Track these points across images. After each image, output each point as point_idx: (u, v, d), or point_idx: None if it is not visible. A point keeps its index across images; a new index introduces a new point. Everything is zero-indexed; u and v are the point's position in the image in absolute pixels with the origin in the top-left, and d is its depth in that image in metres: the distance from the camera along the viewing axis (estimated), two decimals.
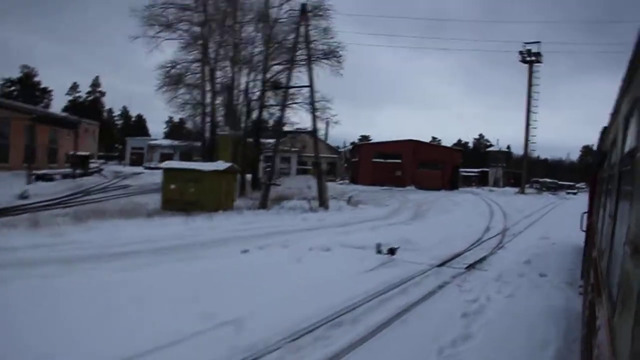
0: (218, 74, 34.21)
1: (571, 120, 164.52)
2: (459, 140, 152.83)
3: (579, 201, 37.60)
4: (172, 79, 32.46)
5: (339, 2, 37.41)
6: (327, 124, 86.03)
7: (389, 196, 38.82)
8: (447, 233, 15.76)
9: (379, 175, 55.74)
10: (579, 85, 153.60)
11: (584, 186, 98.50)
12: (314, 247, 11.34)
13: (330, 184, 60.58)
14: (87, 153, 44.26)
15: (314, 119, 25.18)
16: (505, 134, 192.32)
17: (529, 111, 54.65)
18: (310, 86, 24.31)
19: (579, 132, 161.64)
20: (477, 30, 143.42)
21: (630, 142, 2.16)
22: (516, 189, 65.22)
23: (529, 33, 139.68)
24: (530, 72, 55.04)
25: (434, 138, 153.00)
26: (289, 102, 34.08)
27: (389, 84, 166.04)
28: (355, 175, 58.56)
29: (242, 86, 33.64)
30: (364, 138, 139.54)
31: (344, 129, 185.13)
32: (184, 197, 22.12)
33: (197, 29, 32.18)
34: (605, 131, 5.28)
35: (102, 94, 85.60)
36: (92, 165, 42.52)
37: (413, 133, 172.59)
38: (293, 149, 76.74)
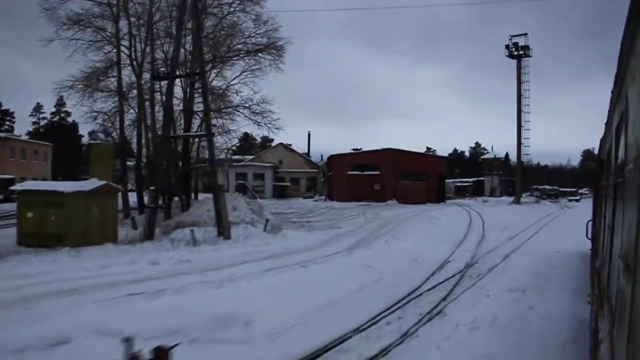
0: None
1: (572, 125, 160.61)
2: (455, 150, 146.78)
3: (582, 210, 32.22)
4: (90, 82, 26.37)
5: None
6: (309, 135, 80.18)
7: (357, 214, 32.81)
8: (365, 279, 9.70)
9: (355, 190, 49.66)
10: (580, 91, 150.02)
11: (586, 192, 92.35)
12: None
13: (304, 201, 54.43)
14: (10, 176, 38.40)
15: (207, 119, 19.09)
16: (503, 141, 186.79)
17: (519, 111, 48.73)
18: (201, 73, 18.26)
19: (580, 137, 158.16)
20: (473, 38, 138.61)
21: (621, 155, 2.25)
22: (512, 199, 59.10)
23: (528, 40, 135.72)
24: (519, 68, 49.29)
25: (428, 149, 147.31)
26: (223, 108, 28.29)
27: (386, 96, 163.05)
28: (330, 191, 52.46)
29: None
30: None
31: (341, 144, 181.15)
32: (45, 228, 16.38)
33: (111, 26, 26.29)
34: (602, 140, 5.30)
35: (68, 114, 79.94)
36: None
37: (409, 145, 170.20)
38: (267, 164, 71.15)
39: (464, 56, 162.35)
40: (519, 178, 50.09)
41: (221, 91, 26.36)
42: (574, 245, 13.84)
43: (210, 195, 18.93)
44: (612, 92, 2.82)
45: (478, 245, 16.47)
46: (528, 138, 49.27)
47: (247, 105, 26.84)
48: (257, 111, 28.41)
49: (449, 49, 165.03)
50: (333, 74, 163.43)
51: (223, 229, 16.43)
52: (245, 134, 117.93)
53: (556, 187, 77.16)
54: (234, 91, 28.09)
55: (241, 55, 27.90)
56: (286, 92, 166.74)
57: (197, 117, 28.13)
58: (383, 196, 48.98)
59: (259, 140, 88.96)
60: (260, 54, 28.04)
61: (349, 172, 50.75)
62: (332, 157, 52.72)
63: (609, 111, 3.29)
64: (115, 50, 26.82)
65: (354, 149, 58.36)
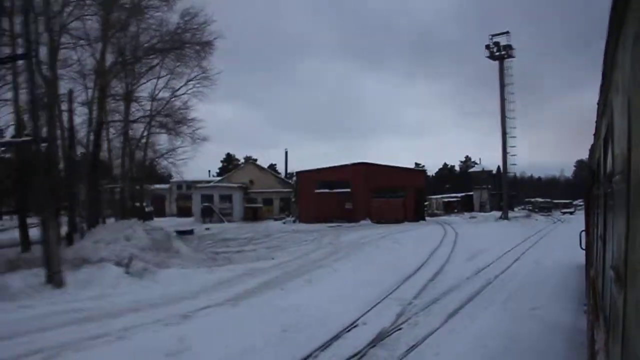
0: None
1: (565, 136, 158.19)
2: (445, 164, 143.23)
3: (576, 226, 27.71)
4: None
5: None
6: (286, 154, 75.30)
7: (313, 239, 27.73)
8: None
9: (324, 210, 44.52)
10: (573, 100, 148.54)
11: (581, 203, 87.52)
12: None
13: (272, 224, 49.27)
14: None
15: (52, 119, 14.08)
16: (495, 156, 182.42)
17: (503, 117, 44.03)
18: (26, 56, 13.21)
19: (574, 148, 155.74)
20: (465, 53, 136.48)
21: (609, 165, 2.27)
22: (496, 213, 54.20)
23: (518, 51, 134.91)
24: (502, 70, 44.73)
25: (417, 164, 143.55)
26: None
27: (378, 113, 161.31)
28: (300, 212, 47.27)
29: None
30: None
31: (332, 162, 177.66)
32: None
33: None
34: (591, 150, 5.45)
35: None
36: None
37: (400, 161, 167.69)
38: (235, 184, 66.01)
39: (456, 71, 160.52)
40: (505, 191, 45.16)
41: (121, 97, 21.30)
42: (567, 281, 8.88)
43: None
44: (598, 104, 2.93)
45: (425, 288, 11.40)
46: (514, 146, 44.51)
47: (159, 111, 22.03)
48: (176, 120, 23.58)
49: (440, 65, 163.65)
50: (324, 91, 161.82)
51: (52, 273, 11.24)
52: (228, 154, 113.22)
53: (548, 200, 72.39)
54: (147, 98, 23.31)
55: (156, 54, 23.11)
56: (278, 111, 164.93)
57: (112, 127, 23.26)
58: (355, 216, 43.88)
59: (242, 160, 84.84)
60: (180, 51, 23.29)
61: (316, 191, 45.68)
62: (299, 174, 47.69)
63: (596, 122, 3.43)
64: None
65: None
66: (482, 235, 26.63)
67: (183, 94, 23.54)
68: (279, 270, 15.40)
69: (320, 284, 12.03)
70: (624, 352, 1.31)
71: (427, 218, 53.79)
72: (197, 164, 50.75)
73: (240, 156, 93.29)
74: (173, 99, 23.81)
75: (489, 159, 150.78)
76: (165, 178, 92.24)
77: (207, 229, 42.49)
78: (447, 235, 27.28)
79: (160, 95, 23.77)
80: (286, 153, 77.69)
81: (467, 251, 18.61)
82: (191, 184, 63.44)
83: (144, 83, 23.73)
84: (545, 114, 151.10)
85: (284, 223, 47.88)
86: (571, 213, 61.56)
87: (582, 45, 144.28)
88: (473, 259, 16.37)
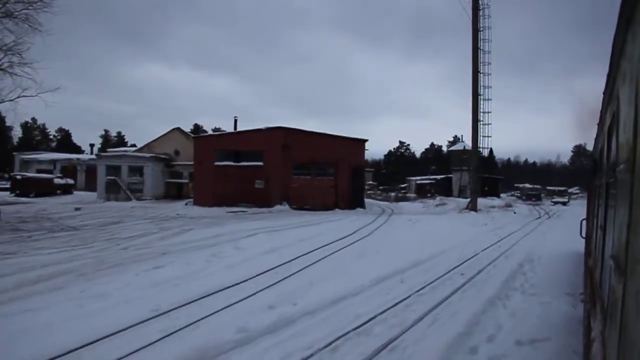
0: None
1: (563, 122, 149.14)
2: (432, 144, 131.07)
3: (570, 222, 19.98)
4: None
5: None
6: (235, 122, 61.86)
7: (163, 237, 15.97)
8: None
9: (227, 190, 32.61)
10: (574, 86, 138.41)
11: (577, 191, 75.98)
12: None
13: (180, 205, 37.10)
14: None
15: None
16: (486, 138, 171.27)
17: (476, 72, 31.61)
18: None
19: (571, 134, 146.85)
20: (464, 34, 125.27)
21: (613, 155, 2.25)
22: (484, 200, 42.37)
23: (519, 35, 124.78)
24: (475, 9, 32.09)
25: (401, 143, 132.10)
26: None
27: (376, 92, 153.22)
28: (195, 191, 35.23)
29: None
30: None
31: None
32: None
33: None
34: (595, 139, 5.31)
35: None
36: None
37: (393, 141, 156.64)
38: (148, 154, 53.75)
39: (457, 51, 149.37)
40: (473, 173, 33.03)
41: None
42: None
43: None
44: (603, 93, 2.89)
45: None
46: (490, 112, 32.07)
47: None
48: None
49: (441, 45, 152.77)
50: (321, 69, 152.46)
51: None
52: (196, 125, 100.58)
53: (538, 186, 60.48)
54: None
55: None
56: (274, 88, 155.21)
57: None
58: (268, 199, 31.93)
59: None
60: None
61: (217, 164, 33.45)
62: (196, 141, 35.24)
63: (601, 111, 3.40)
64: None
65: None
66: (408, 242, 14.79)
67: None
68: None
69: None
70: (622, 339, 1.33)
71: (387, 204, 42.12)
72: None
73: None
74: None
75: (486, 139, 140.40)
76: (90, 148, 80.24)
77: (77, 209, 30.84)
78: (356, 235, 15.54)
79: None
80: (235, 121, 65.00)
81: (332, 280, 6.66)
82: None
83: None
84: (544, 98, 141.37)
85: (186, 205, 35.77)
86: (564, 203, 49.62)
87: (586, 32, 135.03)
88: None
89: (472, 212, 30.42)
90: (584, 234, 8.01)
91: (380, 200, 56.51)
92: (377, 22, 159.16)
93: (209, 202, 32.14)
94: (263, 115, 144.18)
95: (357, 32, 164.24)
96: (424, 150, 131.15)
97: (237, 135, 33.48)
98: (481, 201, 39.12)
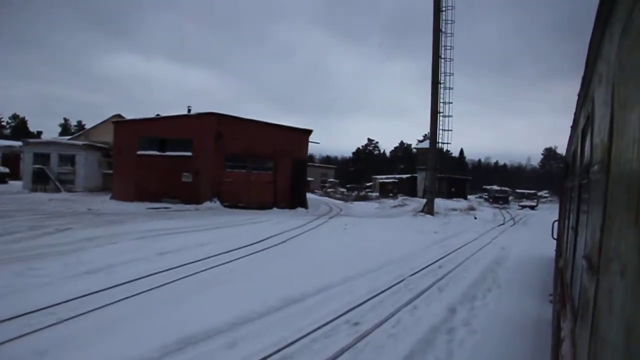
0: None
1: (535, 126, 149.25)
2: (401, 143, 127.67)
3: (537, 232, 18.69)
4: None
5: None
6: (189, 111, 57.36)
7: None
8: None
9: (150, 183, 28.10)
10: (548, 90, 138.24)
11: (547, 194, 73.54)
12: None
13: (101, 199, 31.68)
14: None
15: None
16: (458, 139, 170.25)
17: (436, 56, 27.79)
18: None
19: (544, 137, 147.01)
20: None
21: (586, 156, 2.26)
22: (447, 202, 39.05)
23: (495, 37, 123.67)
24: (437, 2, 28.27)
25: (370, 140, 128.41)
26: None
27: (356, 90, 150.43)
28: (114, 183, 30.51)
29: None
30: None
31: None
32: None
33: None
34: (569, 142, 5.43)
35: None
36: None
37: (355, 138, 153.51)
38: (79, 142, 48.53)
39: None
40: (430, 172, 29.17)
41: None
42: None
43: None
44: (578, 95, 2.90)
45: None
46: (451, 102, 28.31)
47: None
48: None
49: (417, 44, 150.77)
50: (299, 65, 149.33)
51: None
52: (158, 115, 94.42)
53: (506, 188, 57.43)
54: None
55: None
56: (250, 83, 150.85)
57: None
58: (197, 194, 27.53)
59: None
60: None
61: (139, 153, 28.82)
62: (116, 127, 30.44)
63: (575, 113, 3.42)
64: None
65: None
66: (318, 259, 10.68)
67: None
68: None
69: None
70: (593, 338, 1.35)
71: (341, 203, 38.37)
72: None
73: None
74: None
75: (462, 141, 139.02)
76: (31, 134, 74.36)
77: None
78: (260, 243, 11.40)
79: None
80: (189, 110, 59.78)
81: None
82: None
83: None
84: (518, 101, 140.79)
85: (109, 199, 31.02)
86: (532, 207, 46.52)
87: (561, 37, 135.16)
88: None
89: (428, 216, 26.64)
90: (555, 236, 8.05)
91: (339, 198, 52.73)
92: (355, 19, 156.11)
93: (129, 197, 27.61)
94: (241, 110, 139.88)
95: (336, 29, 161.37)
96: (393, 148, 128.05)
97: (164, 121, 28.85)
98: (442, 203, 35.62)
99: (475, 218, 26.90)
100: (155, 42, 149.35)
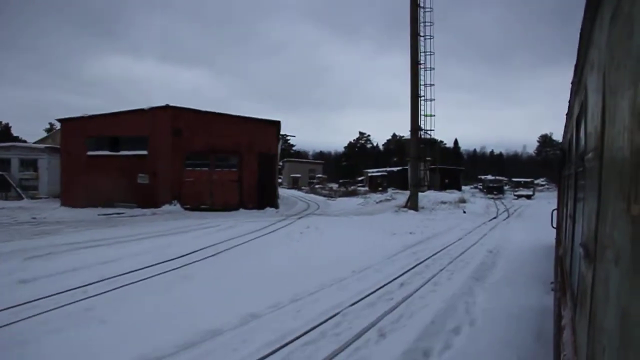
0: None
1: (530, 114, 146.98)
2: (394, 135, 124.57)
3: (534, 229, 15.64)
4: None
5: None
6: None
7: None
8: None
9: (102, 186, 25.23)
10: (543, 77, 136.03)
11: (544, 182, 70.81)
12: None
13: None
14: None
15: None
16: (453, 129, 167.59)
17: (415, 34, 24.93)
18: None
19: (538, 125, 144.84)
20: (443, 25, 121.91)
21: (581, 144, 2.27)
22: (438, 194, 36.33)
23: (491, 25, 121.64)
24: None
25: (361, 134, 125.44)
26: None
27: (352, 84, 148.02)
28: (63, 188, 27.55)
29: None
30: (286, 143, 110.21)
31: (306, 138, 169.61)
32: None
33: None
34: (565, 130, 5.45)
35: None
36: None
37: (347, 131, 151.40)
38: (41, 145, 45.66)
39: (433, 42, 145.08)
40: (413, 164, 26.31)
41: None
42: None
43: None
44: (572, 83, 2.90)
45: None
46: (433, 85, 25.49)
47: None
48: None
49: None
50: (292, 61, 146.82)
51: None
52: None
53: (500, 178, 54.71)
54: None
55: None
56: (243, 81, 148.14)
57: None
58: (155, 196, 24.69)
59: None
60: None
61: (89, 153, 25.93)
62: (63, 125, 27.42)
63: (569, 101, 3.39)
64: None
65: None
66: (243, 282, 7.85)
67: None
68: None
69: None
70: (591, 325, 1.35)
71: (323, 200, 35.71)
72: None
73: None
74: None
75: (443, 132, 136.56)
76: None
77: None
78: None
79: None
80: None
81: None
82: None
83: None
84: (513, 90, 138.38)
85: (62, 205, 28.10)
86: (529, 197, 43.81)
87: (556, 23, 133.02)
88: None
89: (411, 212, 23.87)
90: (554, 224, 7.79)
91: (325, 195, 50.10)
92: (347, 12, 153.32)
93: (81, 203, 24.78)
94: (233, 108, 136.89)
95: (329, 23, 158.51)
96: (385, 141, 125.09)
97: (115, 117, 25.89)
98: (432, 195, 32.98)
99: (464, 212, 24.11)
100: (146, 43, 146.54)
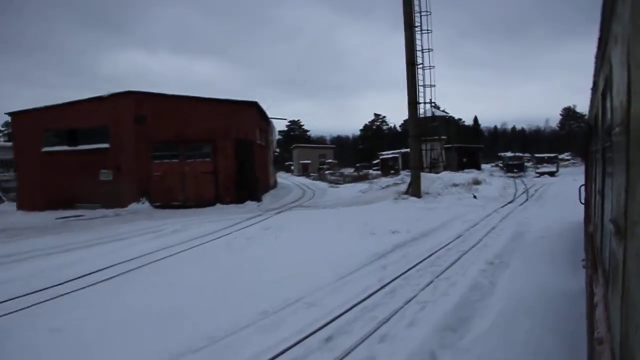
0: None
1: (552, 87, 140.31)
2: None
3: (559, 216, 12.80)
4: None
5: None
6: None
7: None
8: None
9: (61, 185, 22.50)
10: (564, 50, 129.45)
11: (569, 157, 65.98)
12: None
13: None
14: None
15: None
16: (473, 107, 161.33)
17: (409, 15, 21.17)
18: None
19: (561, 98, 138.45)
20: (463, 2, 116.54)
21: (608, 119, 2.18)
22: (453, 175, 32.48)
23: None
24: None
25: (377, 116, 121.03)
26: None
27: (366, 67, 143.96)
28: (18, 189, 24.78)
29: None
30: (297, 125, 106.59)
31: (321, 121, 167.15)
32: None
33: None
34: (590, 105, 5.21)
35: None
36: None
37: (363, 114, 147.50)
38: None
39: (453, 21, 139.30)
40: (412, 142, 22.50)
41: None
42: None
43: None
44: (595, 57, 2.81)
45: None
46: (431, 50, 21.73)
47: None
48: None
49: (438, 14, 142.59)
50: (308, 46, 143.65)
51: None
52: None
53: (521, 154, 50.35)
54: None
55: None
56: (258, 69, 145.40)
57: None
58: (120, 194, 21.83)
59: None
60: None
61: (45, 149, 23.11)
62: (14, 118, 24.45)
63: (594, 75, 3.25)
64: None
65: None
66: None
67: None
68: None
69: None
70: (624, 302, 1.33)
71: (324, 186, 32.50)
72: None
73: None
74: None
75: (462, 110, 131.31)
76: None
77: None
78: None
79: None
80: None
81: None
82: None
83: None
84: (533, 64, 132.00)
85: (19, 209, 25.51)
86: (551, 174, 39.62)
87: None
88: None
89: (412, 199, 20.39)
90: (582, 200, 7.59)
91: (333, 181, 46.88)
92: None
93: (38, 205, 22.11)
94: (249, 97, 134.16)
95: (343, 6, 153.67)
96: (402, 122, 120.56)
97: (71, 107, 22.91)
98: (446, 177, 29.42)
99: (475, 197, 20.45)
100: (158, 36, 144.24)
